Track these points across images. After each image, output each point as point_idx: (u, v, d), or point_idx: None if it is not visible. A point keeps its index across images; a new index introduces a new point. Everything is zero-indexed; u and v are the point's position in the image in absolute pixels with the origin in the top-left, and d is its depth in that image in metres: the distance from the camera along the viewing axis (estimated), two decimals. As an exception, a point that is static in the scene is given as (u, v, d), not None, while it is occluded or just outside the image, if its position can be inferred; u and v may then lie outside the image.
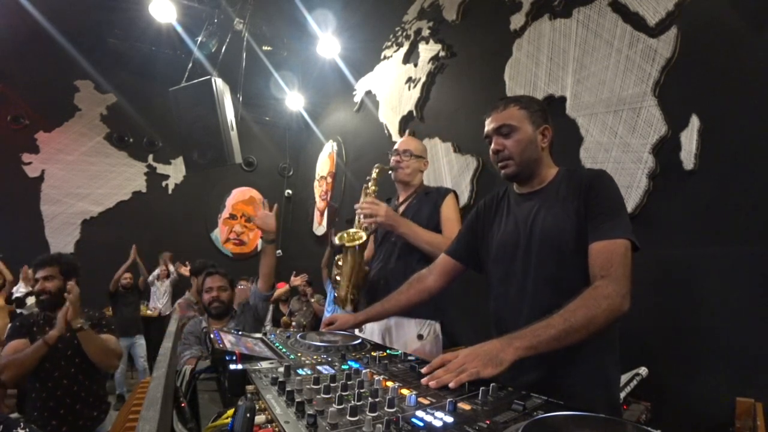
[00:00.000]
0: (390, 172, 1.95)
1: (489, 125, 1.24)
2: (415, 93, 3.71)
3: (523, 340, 0.90)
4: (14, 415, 1.82)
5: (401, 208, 1.90)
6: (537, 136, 1.20)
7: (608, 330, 1.00)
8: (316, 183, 5.88)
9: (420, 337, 1.73)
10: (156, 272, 5.36)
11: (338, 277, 1.86)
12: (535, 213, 1.18)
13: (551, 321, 0.93)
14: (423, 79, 3.65)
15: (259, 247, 6.78)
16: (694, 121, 1.82)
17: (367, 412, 0.63)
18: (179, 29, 4.51)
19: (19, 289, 4.24)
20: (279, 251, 6.74)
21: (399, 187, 1.99)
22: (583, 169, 1.24)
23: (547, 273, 1.13)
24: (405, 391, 0.74)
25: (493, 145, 1.23)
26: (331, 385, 0.73)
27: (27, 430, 1.29)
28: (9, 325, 2.17)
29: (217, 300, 2.31)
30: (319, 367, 0.89)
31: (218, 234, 6.54)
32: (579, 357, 1.06)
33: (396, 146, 1.97)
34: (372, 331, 1.84)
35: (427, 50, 3.68)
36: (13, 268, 4.40)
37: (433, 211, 1.81)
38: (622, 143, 2.09)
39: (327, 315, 4.16)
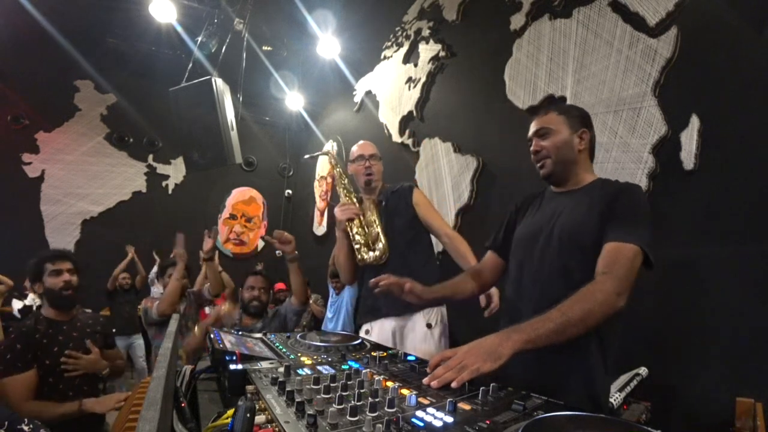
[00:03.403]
0: (367, 183, 1.94)
1: (530, 130, 1.32)
2: (415, 93, 3.71)
3: (521, 334, 0.92)
4: None
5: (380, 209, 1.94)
6: (574, 138, 1.26)
7: (604, 328, 1.02)
8: (316, 183, 5.88)
9: (429, 326, 1.77)
10: (155, 270, 5.35)
11: (374, 228, 1.86)
12: (562, 209, 1.24)
13: (550, 315, 0.96)
14: (423, 79, 3.65)
15: (259, 248, 6.78)
16: (694, 121, 1.82)
17: (367, 412, 0.63)
18: (179, 29, 4.50)
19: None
20: (279, 252, 6.74)
21: (366, 191, 1.99)
22: (618, 181, 1.27)
23: (561, 265, 1.17)
24: (405, 391, 0.74)
25: (532, 147, 1.30)
26: (331, 385, 0.73)
27: (31, 426, 1.28)
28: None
29: (257, 299, 2.49)
30: (319, 367, 0.89)
31: (218, 234, 6.54)
32: (566, 352, 1.04)
33: (359, 153, 1.95)
34: (381, 331, 1.85)
35: (427, 50, 3.67)
36: (12, 268, 4.39)
37: (407, 206, 1.89)
38: (622, 143, 2.09)
39: (328, 316, 4.17)
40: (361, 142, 2.03)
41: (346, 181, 2.00)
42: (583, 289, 1.01)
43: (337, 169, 2.05)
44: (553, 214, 1.26)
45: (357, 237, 1.87)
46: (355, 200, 1.95)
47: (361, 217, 1.88)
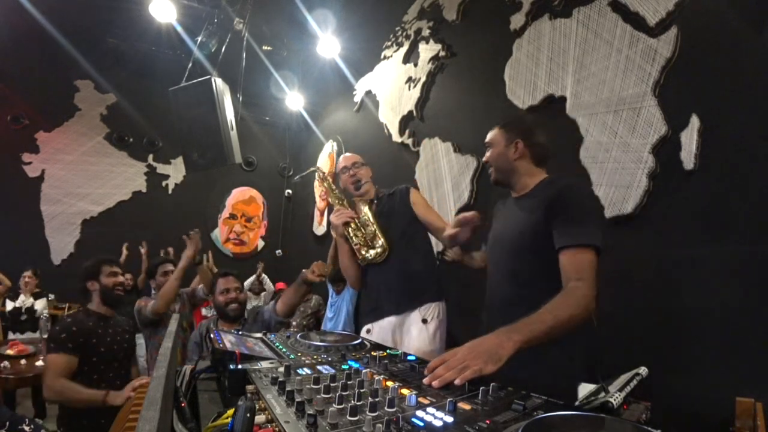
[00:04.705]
0: (353, 193, 2.01)
1: None
2: (415, 93, 3.71)
3: (519, 335, 0.95)
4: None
5: (373, 209, 1.97)
6: (509, 150, 1.43)
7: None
8: (316, 183, 5.88)
9: (424, 321, 1.79)
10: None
11: (373, 229, 1.88)
12: (513, 216, 1.42)
13: (542, 317, 1.02)
14: (423, 79, 3.65)
15: (259, 248, 6.79)
16: (694, 121, 1.82)
17: (367, 412, 0.63)
18: (179, 29, 4.50)
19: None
20: (279, 251, 6.74)
21: (359, 197, 2.03)
22: (564, 179, 1.38)
23: (511, 268, 1.36)
24: (405, 391, 0.74)
25: (483, 157, 1.54)
26: (331, 384, 0.73)
27: (32, 426, 1.28)
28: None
29: (235, 301, 2.29)
30: (319, 367, 0.89)
31: (218, 234, 6.53)
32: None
33: (342, 165, 2.04)
34: (381, 329, 1.87)
35: (427, 50, 3.67)
36: (12, 268, 4.39)
37: (405, 206, 1.93)
38: (622, 143, 2.09)
39: (328, 315, 4.16)
40: (345, 154, 2.12)
41: (336, 190, 2.04)
42: (566, 293, 1.11)
43: (327, 182, 2.10)
44: (506, 222, 1.45)
45: (355, 239, 1.89)
46: (347, 205, 1.98)
47: (356, 220, 1.91)
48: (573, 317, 1.05)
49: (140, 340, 4.81)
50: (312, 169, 2.19)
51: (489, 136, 1.51)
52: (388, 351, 1.10)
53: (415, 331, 1.79)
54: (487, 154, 1.50)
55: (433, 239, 2.01)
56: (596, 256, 1.17)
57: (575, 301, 1.08)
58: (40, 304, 4.21)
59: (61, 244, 5.45)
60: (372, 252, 1.85)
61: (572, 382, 1.28)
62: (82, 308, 2.15)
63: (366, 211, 1.91)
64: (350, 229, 1.90)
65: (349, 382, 0.76)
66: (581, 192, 1.29)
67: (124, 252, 5.10)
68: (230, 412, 0.72)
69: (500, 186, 1.50)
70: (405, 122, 3.87)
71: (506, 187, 1.49)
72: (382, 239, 1.85)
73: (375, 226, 1.87)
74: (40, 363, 2.78)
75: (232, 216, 6.66)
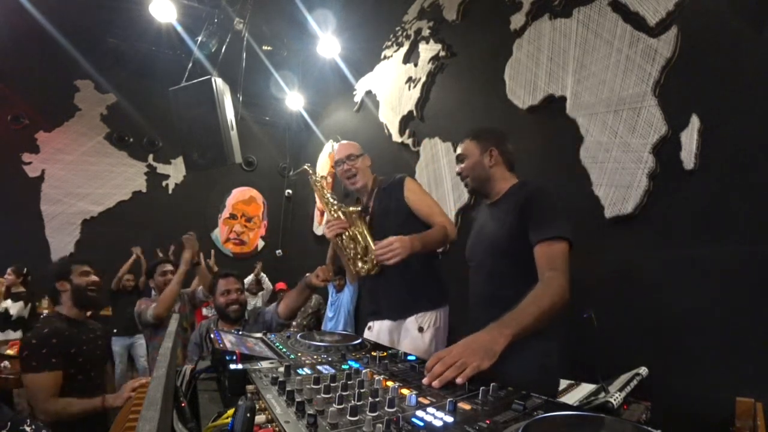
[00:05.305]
0: (349, 186, 1.98)
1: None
2: (415, 93, 3.71)
3: (510, 328, 0.99)
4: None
5: (370, 209, 1.92)
6: (484, 158, 1.50)
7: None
8: (316, 183, 5.87)
9: (420, 329, 1.77)
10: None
11: (366, 239, 1.79)
12: (488, 221, 1.51)
13: (526, 309, 1.06)
14: (423, 78, 3.65)
15: (259, 248, 6.78)
16: (694, 121, 1.82)
17: (368, 412, 0.63)
18: (179, 29, 4.50)
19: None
20: (279, 251, 6.74)
21: (357, 192, 2.00)
22: (532, 182, 1.45)
23: (489, 269, 1.44)
24: (405, 391, 0.74)
25: (456, 169, 1.60)
26: (331, 384, 0.73)
27: (33, 426, 1.28)
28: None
29: (236, 302, 2.28)
30: (319, 367, 0.89)
31: (218, 234, 6.53)
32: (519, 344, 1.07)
33: (336, 158, 1.97)
34: (381, 330, 1.86)
35: (427, 50, 3.68)
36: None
37: (398, 202, 1.86)
38: (622, 143, 2.09)
39: (329, 315, 4.16)
40: (341, 142, 2.04)
41: (328, 195, 1.94)
42: (543, 283, 1.16)
43: (318, 184, 2.01)
44: (482, 226, 1.53)
45: (348, 250, 1.84)
46: (340, 214, 1.89)
47: (348, 230, 1.83)
48: (554, 305, 1.10)
49: (140, 340, 4.83)
50: (304, 167, 2.07)
51: (461, 149, 1.56)
52: (388, 351, 1.10)
53: (409, 339, 1.75)
54: (461, 165, 1.55)
55: None
56: (568, 248, 1.23)
57: (553, 290, 1.14)
58: (15, 308, 4.00)
59: (61, 244, 5.45)
60: (364, 267, 1.78)
61: (550, 376, 1.34)
62: (54, 313, 1.98)
63: (358, 222, 1.82)
64: (343, 240, 1.84)
65: (349, 382, 0.77)
66: (549, 193, 1.36)
67: (139, 256, 5.04)
68: (230, 412, 0.72)
69: (475, 194, 1.58)
70: (405, 122, 3.87)
71: (482, 194, 1.57)
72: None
73: (367, 240, 1.78)
74: None
75: (232, 216, 6.65)
